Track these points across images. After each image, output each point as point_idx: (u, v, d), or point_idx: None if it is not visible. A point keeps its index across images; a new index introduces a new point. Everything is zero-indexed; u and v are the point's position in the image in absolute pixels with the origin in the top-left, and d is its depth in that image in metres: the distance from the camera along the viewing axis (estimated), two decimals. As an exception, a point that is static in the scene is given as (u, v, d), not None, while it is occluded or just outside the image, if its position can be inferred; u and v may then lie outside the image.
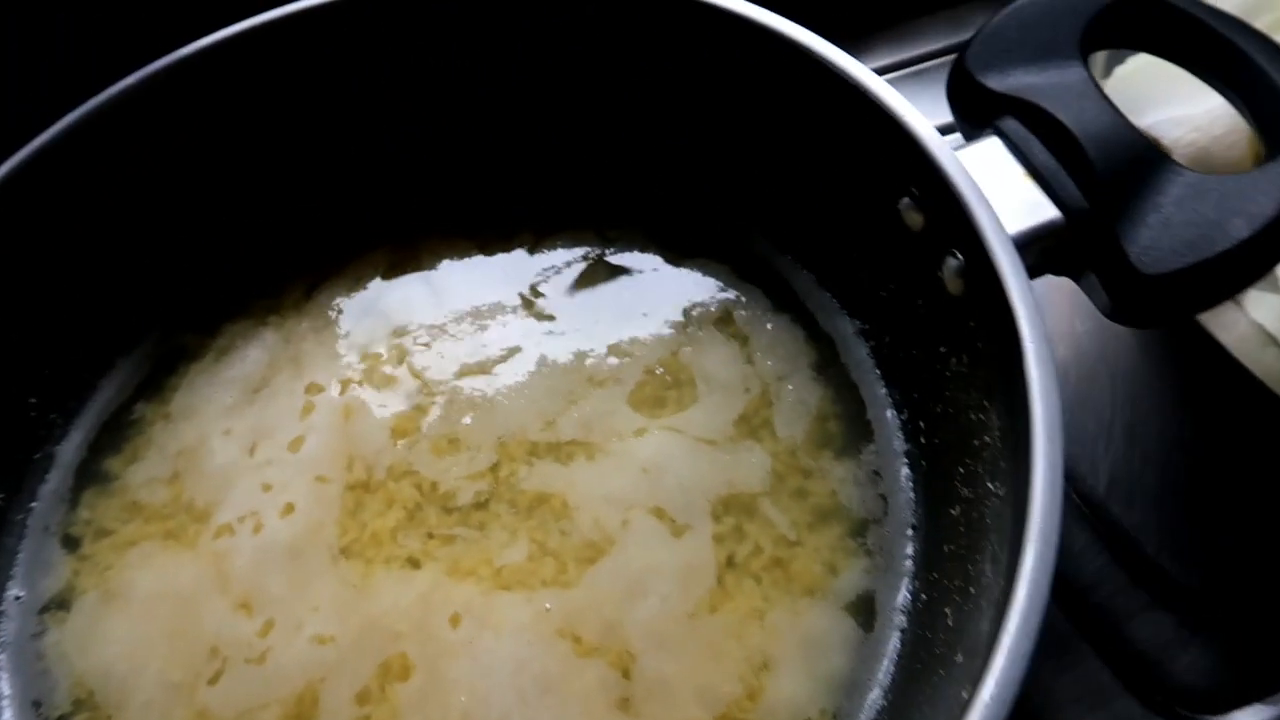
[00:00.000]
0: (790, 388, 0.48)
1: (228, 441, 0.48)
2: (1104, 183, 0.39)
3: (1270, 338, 0.49)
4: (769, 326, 0.50)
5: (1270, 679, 0.48)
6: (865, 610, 0.42)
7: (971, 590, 0.38)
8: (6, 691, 0.44)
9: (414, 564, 0.44)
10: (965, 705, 0.29)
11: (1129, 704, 0.47)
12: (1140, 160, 0.39)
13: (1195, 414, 0.55)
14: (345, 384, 0.49)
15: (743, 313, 0.51)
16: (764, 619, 0.42)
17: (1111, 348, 0.57)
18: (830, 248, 0.50)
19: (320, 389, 0.50)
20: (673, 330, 0.50)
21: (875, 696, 0.41)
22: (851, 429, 0.47)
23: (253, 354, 0.51)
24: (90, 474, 0.50)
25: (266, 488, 0.47)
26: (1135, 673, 0.48)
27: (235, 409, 0.50)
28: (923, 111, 0.56)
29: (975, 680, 0.31)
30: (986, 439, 0.40)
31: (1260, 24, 0.46)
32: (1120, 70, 0.57)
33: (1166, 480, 0.53)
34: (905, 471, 0.45)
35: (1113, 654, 0.49)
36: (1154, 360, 0.57)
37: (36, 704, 0.43)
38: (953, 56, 0.52)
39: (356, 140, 0.54)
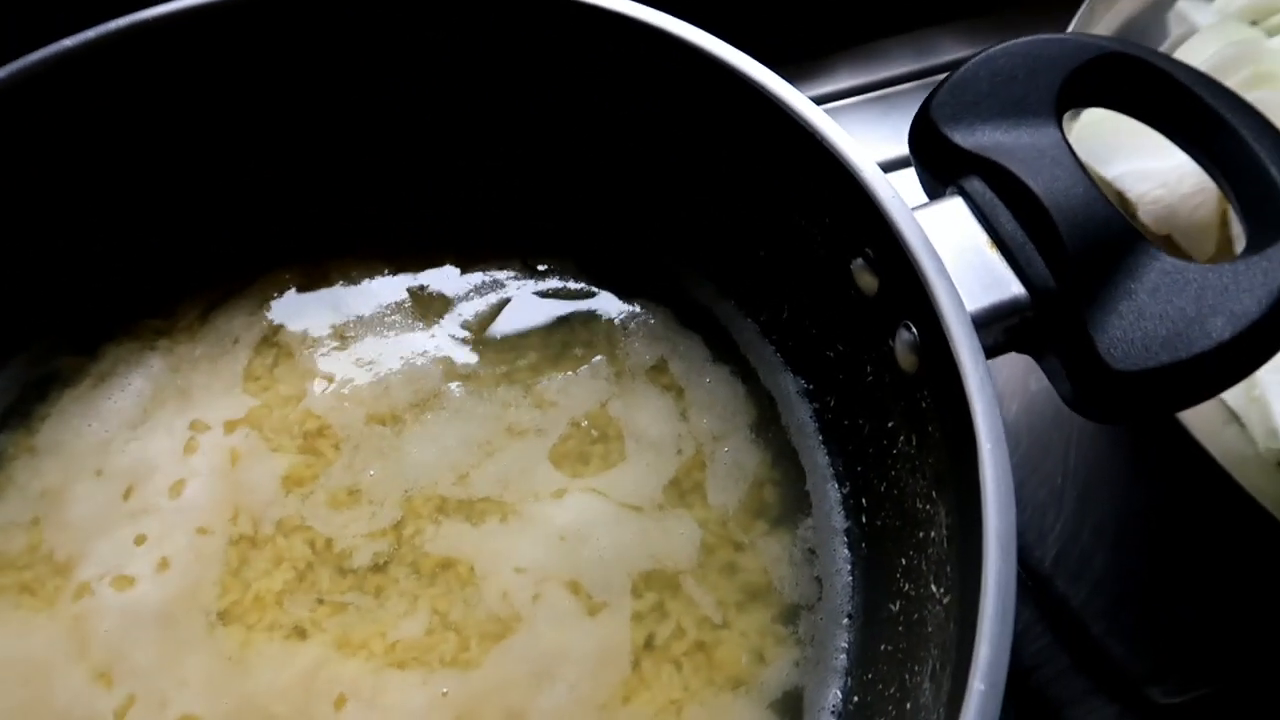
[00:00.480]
0: (726, 449, 0.45)
1: (99, 484, 0.43)
2: (1074, 262, 0.35)
3: (1232, 414, 0.46)
4: (707, 380, 0.47)
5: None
6: (792, 709, 0.39)
7: (908, 705, 0.34)
8: None
9: (300, 634, 0.40)
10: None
11: (1066, 801, 0.45)
12: (1114, 240, 0.35)
13: (1150, 487, 0.52)
14: (234, 424, 0.45)
15: (680, 363, 0.47)
16: (681, 713, 0.39)
17: (1066, 412, 0.53)
18: (777, 299, 0.46)
19: (207, 427, 0.45)
20: (603, 379, 0.46)
21: (799, 804, 0.37)
22: (789, 499, 0.44)
23: (135, 382, 0.46)
24: (-61, 514, 0.44)
25: (140, 539, 0.42)
26: (1074, 766, 0.46)
27: (110, 445, 0.45)
28: (884, 139, 0.52)
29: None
30: (933, 534, 0.36)
31: (1232, 81, 0.44)
32: (1086, 116, 0.54)
33: (1117, 556, 0.50)
34: (844, 552, 0.42)
35: (1051, 745, 0.46)
36: (1110, 429, 0.54)
37: None
38: (919, 83, 0.49)
39: (266, 146, 0.49)
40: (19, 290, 0.47)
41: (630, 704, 0.39)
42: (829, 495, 0.43)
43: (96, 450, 0.44)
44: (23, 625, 0.40)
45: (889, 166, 0.39)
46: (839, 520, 0.43)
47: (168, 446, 0.44)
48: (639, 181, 0.49)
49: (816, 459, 0.44)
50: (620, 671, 0.39)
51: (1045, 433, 0.53)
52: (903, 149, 0.42)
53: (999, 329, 0.36)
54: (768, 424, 0.46)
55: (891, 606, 0.38)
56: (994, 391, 0.33)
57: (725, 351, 0.47)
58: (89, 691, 0.39)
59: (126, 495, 0.43)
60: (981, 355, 0.34)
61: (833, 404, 0.45)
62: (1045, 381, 0.51)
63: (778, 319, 0.47)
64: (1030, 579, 0.50)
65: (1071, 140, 0.39)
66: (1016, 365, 0.54)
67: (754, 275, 0.47)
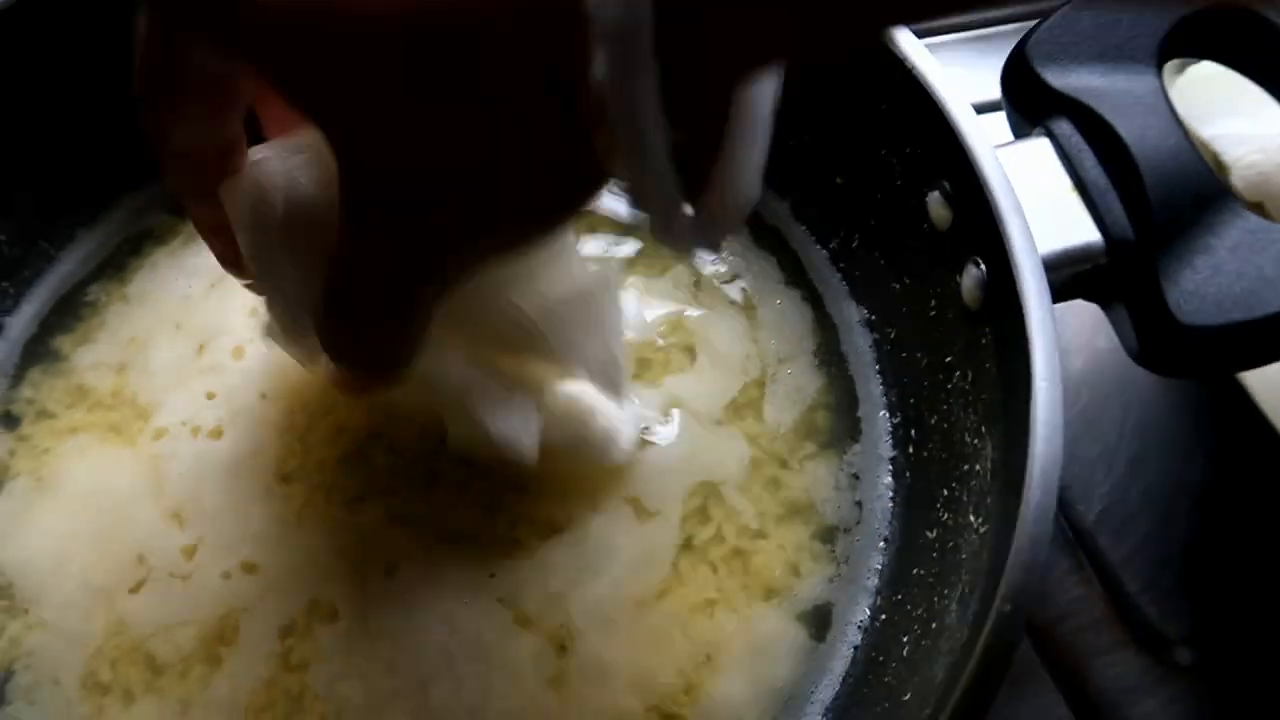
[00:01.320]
0: (789, 371, 0.45)
1: (178, 337, 0.46)
2: (1155, 212, 0.35)
3: (1299, 389, 0.46)
4: (778, 302, 0.47)
5: (1231, 744, 0.46)
6: (820, 621, 0.40)
7: (933, 625, 0.35)
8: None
9: (357, 502, 0.42)
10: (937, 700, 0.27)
11: (1083, 745, 0.46)
12: (1200, 194, 0.35)
13: (1206, 458, 0.52)
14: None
15: (754, 282, 0.48)
16: (714, 614, 0.40)
17: (1130, 373, 0.53)
18: (848, 228, 0.46)
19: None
20: (684, 288, 0.47)
21: (814, 713, 0.39)
22: (839, 424, 0.44)
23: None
24: (39, 351, 0.47)
25: (210, 395, 0.44)
26: (1093, 713, 0.46)
27: (191, 301, 0.47)
28: (975, 84, 0.51)
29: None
30: (977, 467, 0.37)
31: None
32: (1191, 72, 0.52)
33: (1163, 521, 0.50)
34: (887, 480, 0.43)
35: (1073, 690, 0.47)
36: (1173, 395, 0.54)
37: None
38: (1021, 24, 0.48)
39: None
40: (117, 149, 0.49)
41: (665, 600, 0.40)
42: (879, 424, 0.44)
43: (179, 305, 0.47)
44: (109, 460, 0.43)
45: (981, 109, 0.38)
46: (885, 449, 0.43)
47: (238, 308, 0.46)
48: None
49: (871, 388, 0.45)
50: (660, 570, 0.41)
51: (1106, 392, 0.53)
52: (996, 92, 0.41)
53: (1069, 273, 0.36)
54: (829, 351, 0.46)
55: (929, 534, 0.39)
56: (1055, 334, 0.33)
57: (795, 276, 0.48)
58: (164, 527, 0.41)
59: (200, 352, 0.45)
60: (1047, 297, 0.34)
61: (893, 336, 0.45)
62: (1113, 341, 0.51)
63: (847, 248, 0.47)
64: (1072, 531, 0.50)
65: (1171, 94, 0.38)
66: (1085, 320, 0.53)
67: (828, 201, 0.47)
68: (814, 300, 0.47)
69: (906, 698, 0.33)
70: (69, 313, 0.48)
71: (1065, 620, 0.49)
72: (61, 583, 0.41)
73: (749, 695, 0.39)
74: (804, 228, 0.49)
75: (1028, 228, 0.35)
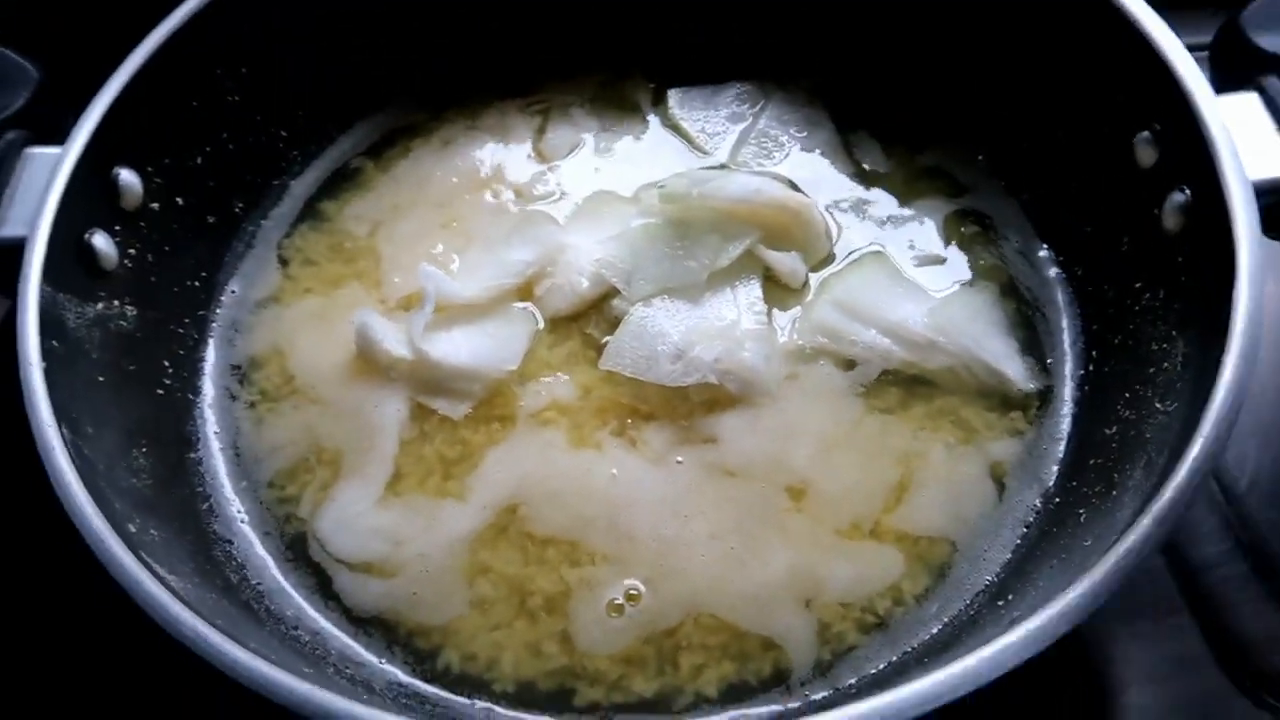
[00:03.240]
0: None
1: (427, 213, 0.54)
2: (1358, 153, 0.39)
3: None
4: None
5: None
6: (1001, 485, 0.45)
7: (1114, 493, 0.39)
8: (210, 359, 0.50)
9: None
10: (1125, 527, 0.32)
11: (1217, 678, 0.48)
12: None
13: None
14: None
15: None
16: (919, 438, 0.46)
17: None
18: (1044, 175, 0.51)
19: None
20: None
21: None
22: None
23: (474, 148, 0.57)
24: (312, 211, 0.55)
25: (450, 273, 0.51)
26: (1231, 652, 0.49)
27: (446, 189, 0.55)
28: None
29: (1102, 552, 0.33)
30: (1165, 365, 0.41)
31: None
32: None
33: (1314, 493, 0.53)
34: (1068, 405, 0.47)
35: (1213, 630, 0.49)
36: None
37: (236, 368, 0.50)
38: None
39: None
40: (392, 56, 0.58)
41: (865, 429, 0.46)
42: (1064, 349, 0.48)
43: (436, 190, 0.55)
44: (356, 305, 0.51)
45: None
46: (1070, 368, 0.48)
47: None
48: (942, 63, 0.54)
49: (1059, 321, 0.49)
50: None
51: (1260, 370, 0.55)
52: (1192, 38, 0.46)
53: (1271, 202, 0.40)
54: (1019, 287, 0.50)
55: (1107, 430, 0.43)
56: (1258, 235, 0.38)
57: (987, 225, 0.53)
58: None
59: (444, 225, 0.54)
60: (1254, 204, 0.38)
61: (1079, 273, 0.49)
62: (1274, 326, 0.54)
63: (1039, 199, 0.52)
64: (1224, 493, 0.53)
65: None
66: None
67: (1027, 149, 0.52)
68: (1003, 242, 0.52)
69: (1087, 543, 0.37)
70: (340, 184, 0.56)
71: (1211, 570, 0.51)
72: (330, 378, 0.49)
73: (941, 520, 0.44)
74: (1001, 182, 0.54)
75: (1238, 156, 0.40)
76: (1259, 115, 0.42)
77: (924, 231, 0.52)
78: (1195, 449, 0.33)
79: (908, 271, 0.51)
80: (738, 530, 0.43)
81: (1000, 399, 0.46)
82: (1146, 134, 0.44)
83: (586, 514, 0.44)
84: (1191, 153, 0.41)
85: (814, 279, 0.50)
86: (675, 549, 0.43)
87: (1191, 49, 0.43)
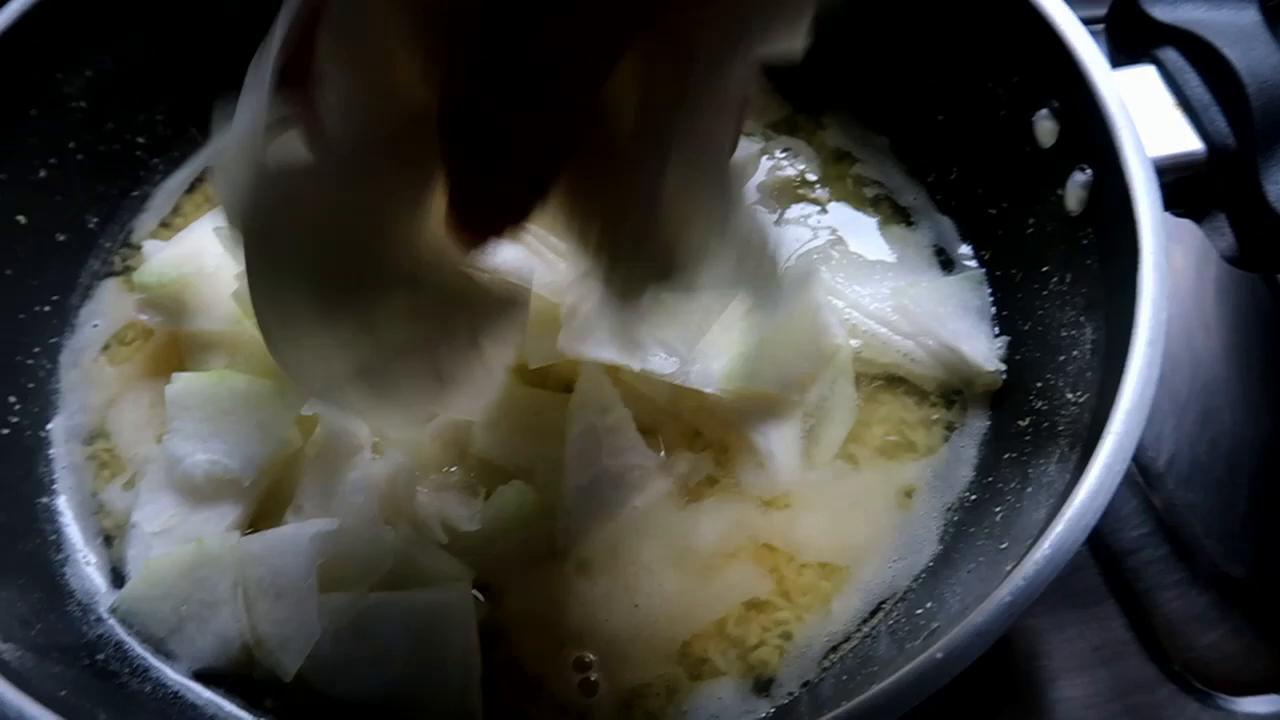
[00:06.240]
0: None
1: None
2: (1258, 124, 0.38)
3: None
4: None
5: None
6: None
7: (1029, 489, 0.38)
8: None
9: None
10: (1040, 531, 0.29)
11: (1145, 666, 0.47)
12: (1301, 106, 0.38)
13: (1275, 415, 0.54)
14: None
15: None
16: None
17: (1199, 331, 0.56)
18: (948, 157, 0.49)
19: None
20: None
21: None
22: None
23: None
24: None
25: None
26: (1156, 639, 0.48)
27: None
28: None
29: (1020, 558, 0.31)
30: (1074, 353, 0.39)
31: None
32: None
33: (1232, 470, 0.52)
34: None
35: (1138, 616, 0.48)
36: (1242, 351, 0.56)
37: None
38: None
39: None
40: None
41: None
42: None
43: None
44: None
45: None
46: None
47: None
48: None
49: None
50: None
51: (1176, 350, 0.55)
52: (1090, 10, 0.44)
53: (1172, 179, 0.39)
54: (925, 272, 0.49)
55: (1020, 423, 0.41)
56: (1161, 214, 0.36)
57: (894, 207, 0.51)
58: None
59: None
60: (1155, 183, 0.37)
61: (987, 258, 0.48)
62: (1180, 306, 0.54)
63: (944, 182, 0.50)
64: (1142, 475, 0.52)
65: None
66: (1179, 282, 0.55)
67: (929, 140, 0.50)
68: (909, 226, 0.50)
69: (1004, 546, 0.36)
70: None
71: (1133, 554, 0.50)
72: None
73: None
74: (904, 165, 0.52)
75: (1137, 133, 0.38)
76: (1157, 89, 0.41)
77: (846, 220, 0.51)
78: (1106, 446, 0.31)
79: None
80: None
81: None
82: (1045, 111, 0.43)
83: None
84: (1090, 131, 0.39)
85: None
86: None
87: (1090, 22, 0.42)
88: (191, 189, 0.52)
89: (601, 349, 0.40)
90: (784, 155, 0.53)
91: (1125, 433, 0.31)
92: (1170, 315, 0.49)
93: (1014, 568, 0.31)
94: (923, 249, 0.49)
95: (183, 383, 0.40)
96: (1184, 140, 0.39)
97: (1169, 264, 0.36)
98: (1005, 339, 0.45)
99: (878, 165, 0.52)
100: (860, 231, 0.50)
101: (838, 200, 0.51)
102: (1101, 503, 0.31)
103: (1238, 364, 0.55)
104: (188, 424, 0.39)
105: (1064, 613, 0.49)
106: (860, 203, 0.51)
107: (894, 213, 0.50)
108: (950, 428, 0.44)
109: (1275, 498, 0.52)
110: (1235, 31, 0.40)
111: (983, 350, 0.44)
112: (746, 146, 0.51)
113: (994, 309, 0.46)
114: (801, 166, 0.52)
